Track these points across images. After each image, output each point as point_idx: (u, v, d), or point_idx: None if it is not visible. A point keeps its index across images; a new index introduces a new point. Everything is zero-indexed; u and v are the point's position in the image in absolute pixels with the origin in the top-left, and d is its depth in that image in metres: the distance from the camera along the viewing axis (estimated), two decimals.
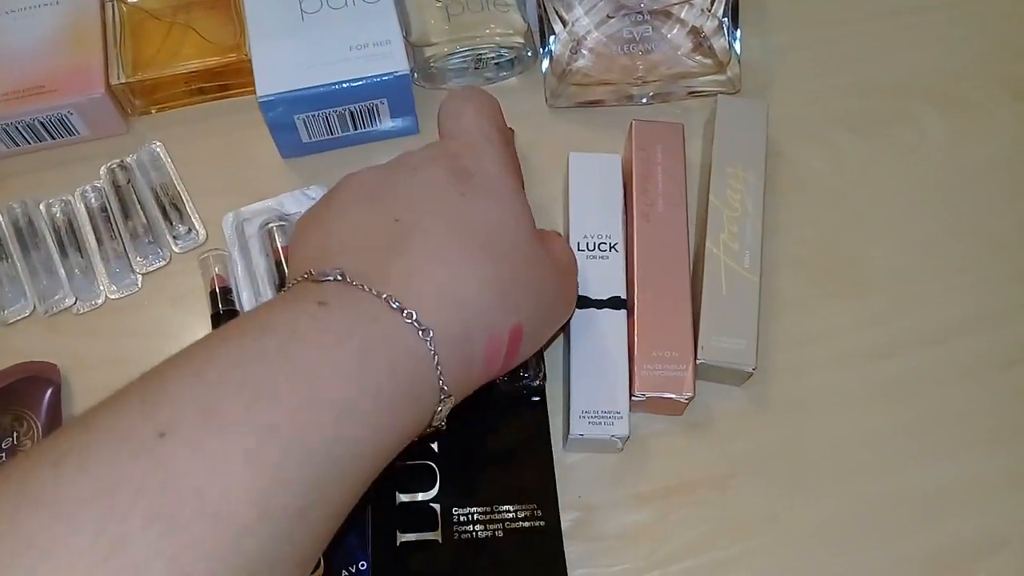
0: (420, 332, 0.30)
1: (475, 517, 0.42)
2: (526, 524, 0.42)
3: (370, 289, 0.30)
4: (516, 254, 0.34)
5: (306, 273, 0.31)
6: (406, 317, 0.30)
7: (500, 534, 0.42)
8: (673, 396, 0.42)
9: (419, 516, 0.42)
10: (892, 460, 0.44)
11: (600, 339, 0.43)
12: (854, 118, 0.52)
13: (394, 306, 0.30)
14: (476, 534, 0.42)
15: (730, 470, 0.44)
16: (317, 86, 0.47)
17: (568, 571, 0.42)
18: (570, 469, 0.44)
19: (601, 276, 0.44)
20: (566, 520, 0.43)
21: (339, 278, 0.30)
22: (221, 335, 0.29)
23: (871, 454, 0.44)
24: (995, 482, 0.44)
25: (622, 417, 0.42)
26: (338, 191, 0.36)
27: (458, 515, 0.42)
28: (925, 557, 0.43)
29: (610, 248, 0.45)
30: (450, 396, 0.31)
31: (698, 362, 0.43)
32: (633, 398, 0.42)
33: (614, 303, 0.44)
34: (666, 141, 0.47)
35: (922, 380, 0.46)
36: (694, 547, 0.43)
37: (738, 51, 0.49)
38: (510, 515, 0.42)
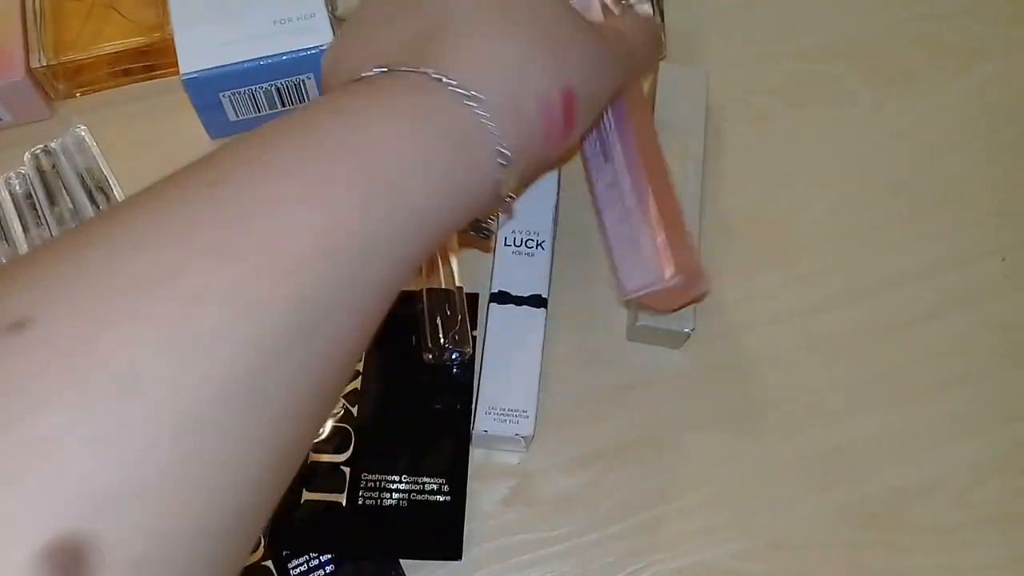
0: (467, 100, 0.29)
1: (382, 484, 0.42)
2: (431, 497, 0.42)
3: (409, 72, 0.29)
4: (550, 12, 0.33)
5: (348, 81, 0.31)
6: (448, 85, 0.29)
7: (404, 504, 0.42)
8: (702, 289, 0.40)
9: (327, 476, 0.42)
10: (826, 414, 0.45)
11: (516, 336, 0.43)
12: (782, 84, 0.53)
13: (436, 78, 0.29)
14: (380, 501, 0.42)
15: (666, 430, 0.45)
16: (241, 62, 0.46)
17: (502, 538, 0.42)
18: None
19: (525, 273, 0.44)
20: (502, 488, 0.43)
21: (382, 71, 0.30)
22: (271, 122, 0.28)
23: (805, 410, 0.45)
24: (923, 431, 0.45)
25: (528, 416, 0.42)
26: (364, 4, 0.35)
27: (366, 480, 0.42)
28: (858, 505, 0.44)
29: (537, 245, 0.45)
30: (511, 164, 0.30)
31: (637, 324, 0.43)
32: (664, 285, 0.38)
33: (535, 301, 0.44)
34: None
35: (853, 336, 0.47)
36: (631, 507, 0.43)
37: (662, 17, 0.49)
38: (417, 487, 0.42)
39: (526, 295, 0.44)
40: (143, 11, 0.51)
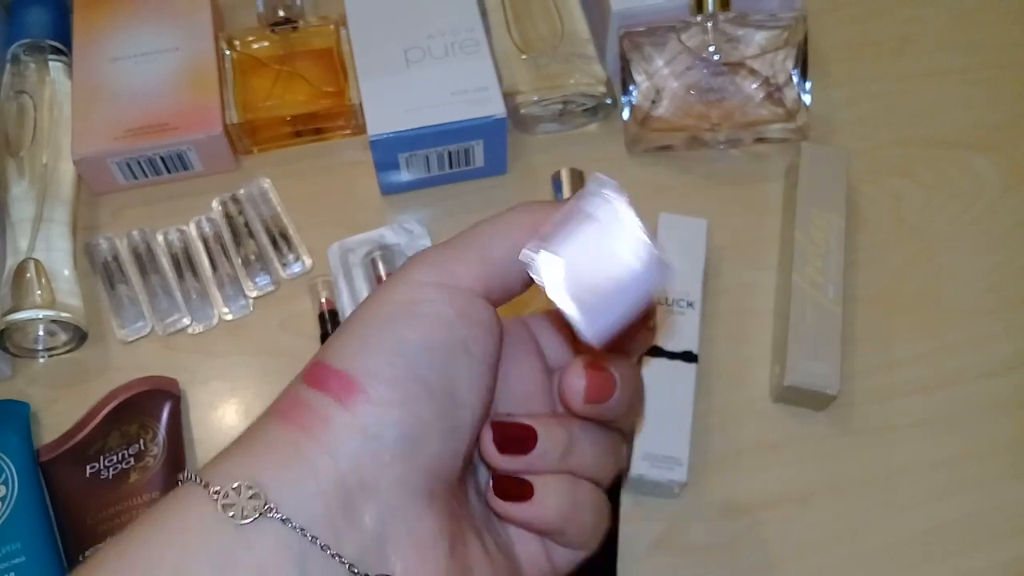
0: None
1: None
2: None
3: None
4: None
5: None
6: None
7: None
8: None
9: None
10: (959, 483, 0.47)
11: (670, 389, 0.46)
12: (911, 165, 0.56)
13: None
14: None
15: (810, 489, 0.47)
16: (423, 127, 0.51)
17: None
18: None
19: (677, 331, 0.48)
20: (653, 532, 0.45)
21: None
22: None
23: (941, 478, 0.47)
24: None
25: (682, 464, 0.44)
26: None
27: None
28: (992, 572, 0.45)
29: (687, 305, 0.48)
30: None
31: (785, 384, 0.46)
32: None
33: (686, 356, 0.47)
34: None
35: (988, 408, 0.49)
36: (775, 561, 0.45)
37: (807, 101, 0.53)
38: None
39: (678, 351, 0.47)
40: (323, 79, 0.56)
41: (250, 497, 0.24)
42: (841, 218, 0.50)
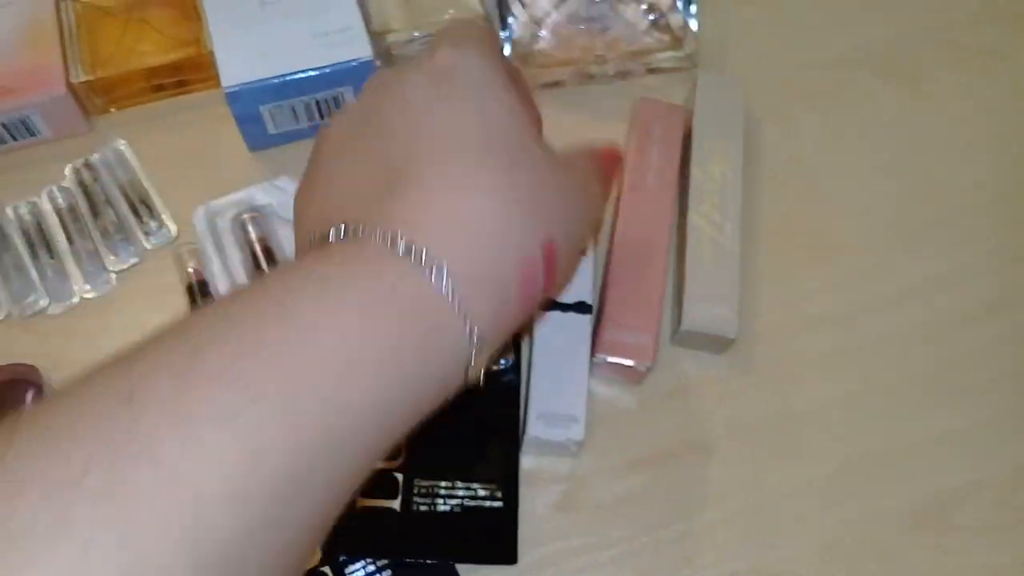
0: (435, 275, 0.25)
1: (435, 491, 0.43)
2: (485, 504, 0.43)
3: (373, 235, 0.26)
4: (526, 155, 0.29)
5: (314, 236, 0.28)
6: (415, 259, 0.25)
7: (458, 510, 0.42)
8: (633, 364, 0.43)
9: (380, 482, 0.43)
10: (868, 419, 0.46)
11: (563, 342, 0.44)
12: (809, 91, 0.54)
13: (401, 250, 0.25)
14: (434, 507, 0.43)
15: (712, 436, 0.45)
16: (282, 75, 0.47)
17: (556, 542, 0.43)
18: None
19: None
20: (554, 492, 0.44)
21: (341, 234, 0.27)
22: (211, 304, 0.25)
23: (847, 415, 0.46)
24: (962, 435, 0.46)
25: (578, 422, 0.42)
26: (319, 149, 0.32)
27: (419, 487, 0.43)
28: (901, 512, 0.44)
29: (579, 253, 0.46)
30: (483, 343, 0.27)
31: (682, 329, 0.44)
32: (594, 360, 0.43)
33: (580, 307, 0.45)
34: (667, 119, 0.48)
35: (892, 340, 0.48)
36: (681, 512, 0.44)
37: (694, 26, 0.50)
38: (469, 492, 0.43)
39: (571, 302, 0.45)
40: (178, 27, 0.52)
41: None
42: (739, 151, 0.48)
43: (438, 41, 0.32)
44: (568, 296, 0.45)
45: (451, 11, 0.51)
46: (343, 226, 0.27)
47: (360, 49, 0.48)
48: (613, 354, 0.43)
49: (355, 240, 0.26)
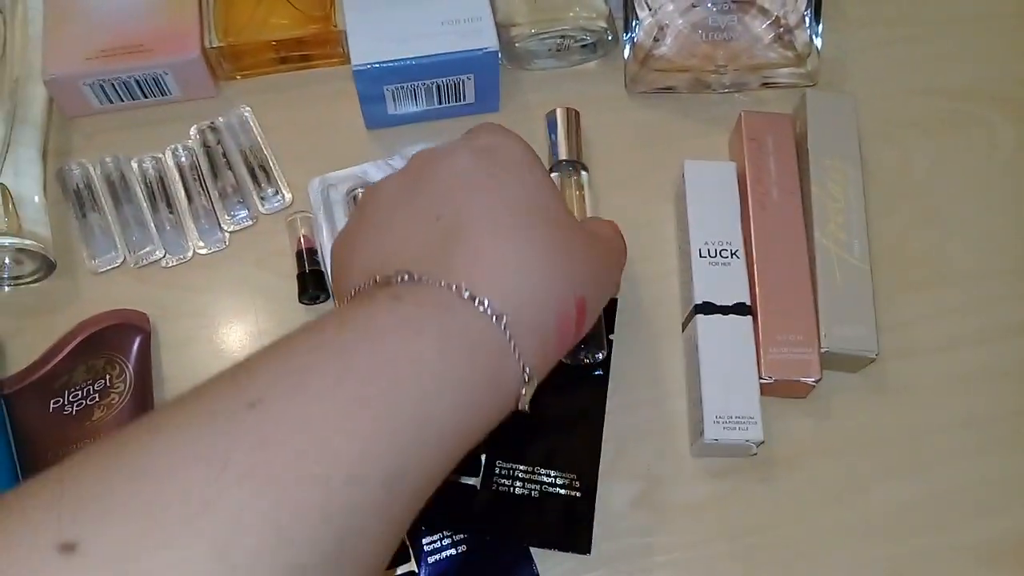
0: (495, 319, 0.30)
1: (516, 473, 0.43)
2: (563, 492, 0.43)
3: (439, 283, 0.30)
4: (561, 221, 0.34)
5: (370, 280, 0.31)
6: (479, 306, 0.30)
7: (535, 495, 0.43)
8: (801, 379, 0.43)
9: (464, 459, 0.43)
10: (982, 446, 0.45)
11: (728, 344, 0.44)
12: (926, 118, 0.53)
13: (465, 296, 0.30)
14: (513, 489, 0.43)
15: (803, 449, 0.45)
16: (410, 58, 0.48)
17: (631, 538, 0.43)
18: (643, 437, 0.45)
19: (725, 282, 0.45)
20: (633, 488, 0.44)
21: (406, 278, 0.30)
22: (301, 330, 0.29)
23: (963, 439, 0.46)
24: None
25: (756, 422, 0.42)
26: (368, 205, 0.36)
27: (500, 468, 0.43)
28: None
29: (731, 255, 0.46)
30: (532, 379, 0.32)
31: (822, 351, 0.44)
32: (761, 380, 0.43)
33: (739, 309, 0.45)
34: (776, 131, 0.48)
35: (1002, 371, 0.47)
36: (764, 522, 0.44)
37: (818, 45, 0.50)
38: (549, 479, 0.43)
39: (730, 304, 0.45)
40: (309, 2, 0.53)
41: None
42: (857, 169, 0.47)
43: (477, 130, 0.37)
44: (725, 299, 0.45)
45: (576, 9, 0.52)
46: (407, 274, 0.30)
47: (487, 39, 0.49)
48: (782, 373, 0.43)
49: (419, 286, 0.30)
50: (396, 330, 0.28)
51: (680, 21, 0.50)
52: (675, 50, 0.51)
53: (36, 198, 0.48)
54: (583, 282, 0.34)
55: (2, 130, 0.48)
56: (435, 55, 0.48)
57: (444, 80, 0.50)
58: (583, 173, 0.49)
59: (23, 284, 0.48)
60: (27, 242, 0.46)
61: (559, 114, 0.50)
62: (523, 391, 0.32)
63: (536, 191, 0.34)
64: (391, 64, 0.48)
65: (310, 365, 0.27)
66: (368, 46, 0.48)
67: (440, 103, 0.51)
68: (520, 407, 0.32)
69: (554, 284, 0.32)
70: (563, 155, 0.49)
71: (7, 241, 0.45)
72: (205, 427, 0.25)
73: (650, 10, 0.50)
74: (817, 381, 0.43)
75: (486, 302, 0.30)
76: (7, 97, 0.49)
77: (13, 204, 0.47)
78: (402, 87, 0.49)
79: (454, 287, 0.30)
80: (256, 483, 0.23)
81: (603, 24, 0.52)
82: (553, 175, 0.49)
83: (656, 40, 0.50)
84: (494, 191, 0.33)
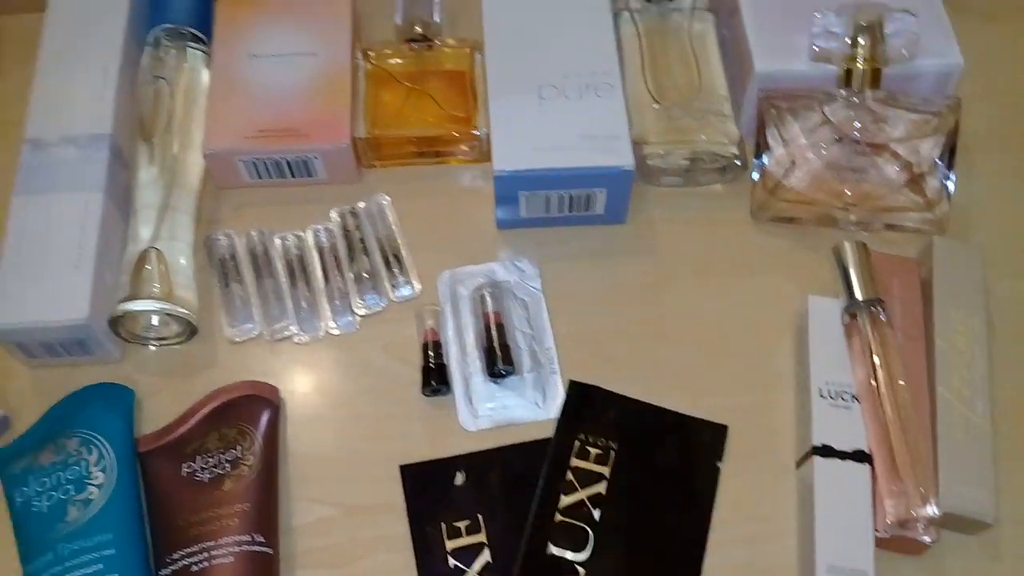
0: None
1: None
2: None
3: None
4: None
5: None
6: None
7: None
8: (918, 537, 0.43)
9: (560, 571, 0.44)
10: None
11: (844, 492, 0.44)
12: None
13: None
14: None
15: None
16: (549, 168, 0.50)
17: None
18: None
19: (844, 426, 0.45)
20: None
21: None
22: None
23: None
24: None
25: (867, 574, 0.42)
26: None
27: None
28: None
29: (852, 398, 0.46)
30: None
31: (939, 511, 0.43)
32: (875, 534, 0.43)
33: (858, 456, 0.44)
34: (902, 275, 0.49)
35: None
36: None
37: (950, 192, 0.51)
38: None
39: (849, 450, 0.44)
40: (453, 103, 0.56)
41: None
42: (983, 322, 0.48)
43: None
44: (844, 444, 0.44)
45: (708, 133, 0.53)
46: None
47: (624, 158, 0.50)
48: (898, 529, 0.43)
49: None
50: None
51: (813, 156, 0.51)
52: (805, 183, 0.52)
53: (185, 262, 0.51)
54: None
55: (161, 196, 0.52)
56: (573, 168, 0.50)
57: (577, 192, 0.52)
58: (881, 313, 0.47)
59: (165, 345, 0.51)
60: (179, 310, 0.48)
61: (849, 249, 0.48)
62: None
63: None
64: (530, 172, 0.50)
65: None
66: (511, 153, 0.51)
67: (570, 211, 0.53)
68: None
69: None
70: (861, 295, 0.47)
71: (158, 306, 0.48)
72: None
73: (783, 142, 0.52)
74: (934, 541, 0.43)
75: None
76: (167, 167, 0.52)
77: (166, 269, 0.49)
78: (536, 194, 0.52)
79: None
80: None
81: (734, 151, 0.54)
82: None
83: (786, 172, 0.52)
84: None
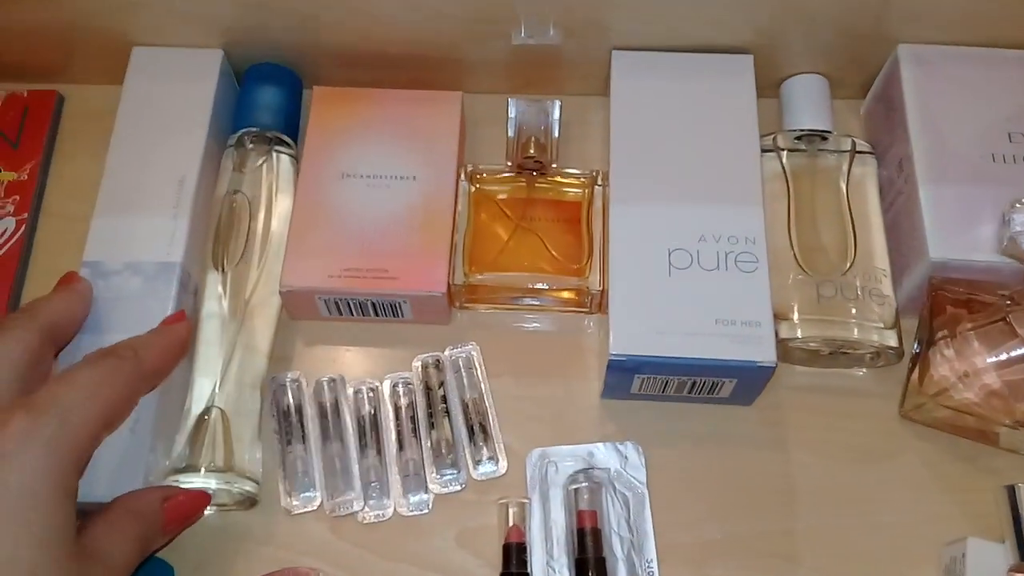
0: None
1: None
2: None
3: None
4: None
5: None
6: None
7: None
8: None
9: None
10: None
11: None
12: None
13: None
14: None
15: None
16: (674, 357, 0.43)
17: None
18: None
19: None
20: None
21: None
22: None
23: None
24: None
25: None
26: None
27: None
28: None
29: None
30: None
31: None
32: None
33: None
34: None
35: None
36: None
37: None
38: None
39: None
40: (564, 247, 0.48)
41: None
42: None
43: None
44: None
45: (864, 317, 0.45)
46: None
47: (765, 353, 0.43)
48: None
49: None
50: None
51: (994, 374, 0.43)
52: (973, 397, 0.44)
53: (252, 425, 0.45)
54: None
55: (231, 337, 0.45)
56: (703, 359, 0.43)
57: (703, 379, 0.44)
58: None
59: (221, 510, 0.45)
60: (235, 487, 0.42)
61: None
62: None
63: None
64: (652, 359, 0.43)
65: None
66: (631, 333, 0.43)
67: (690, 394, 0.46)
68: None
69: None
70: None
71: (215, 485, 0.42)
72: None
73: (956, 352, 0.43)
74: None
75: None
76: (240, 301, 0.46)
77: (228, 431, 0.43)
78: (655, 378, 0.44)
79: None
80: None
81: (893, 344, 0.45)
82: None
83: (960, 380, 0.43)
84: None
